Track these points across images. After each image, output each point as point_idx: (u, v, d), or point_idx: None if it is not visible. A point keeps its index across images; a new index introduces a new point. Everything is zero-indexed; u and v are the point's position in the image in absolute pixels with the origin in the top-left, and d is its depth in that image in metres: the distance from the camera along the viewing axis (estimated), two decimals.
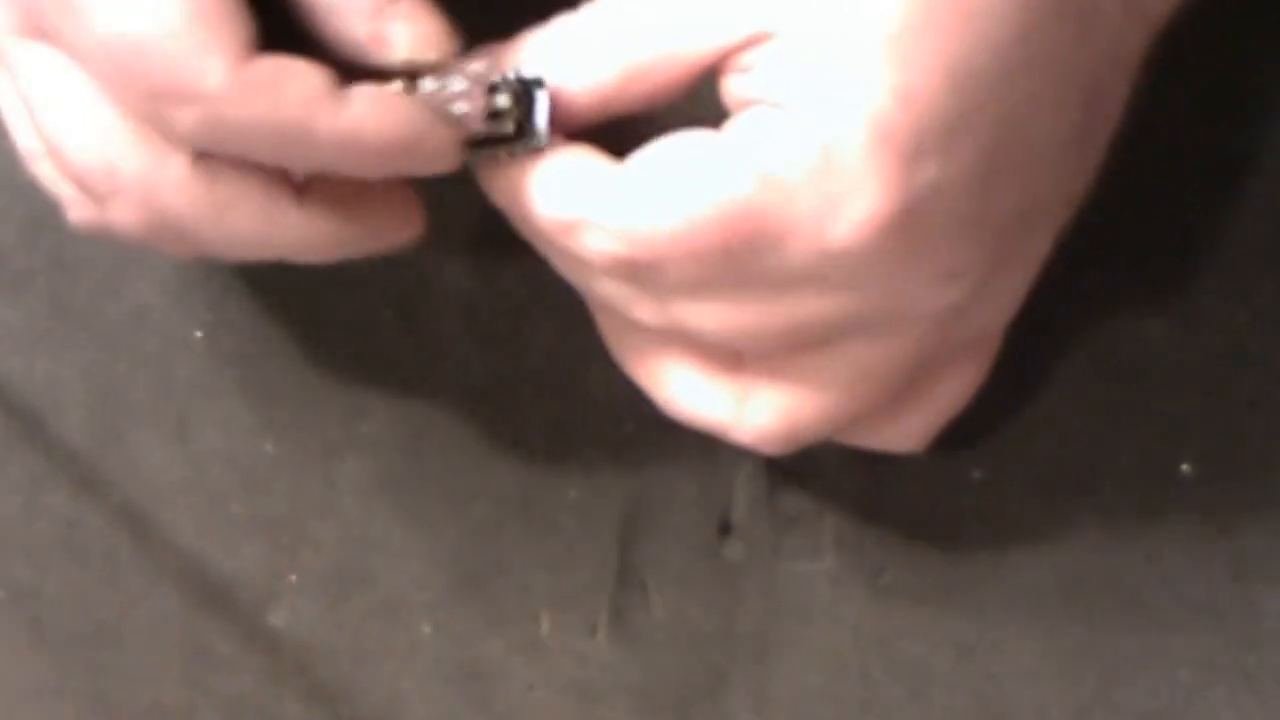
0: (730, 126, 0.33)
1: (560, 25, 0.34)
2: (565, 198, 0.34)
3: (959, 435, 0.39)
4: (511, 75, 0.34)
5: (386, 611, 0.41)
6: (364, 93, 0.33)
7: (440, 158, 0.34)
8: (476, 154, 0.34)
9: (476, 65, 0.34)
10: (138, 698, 0.41)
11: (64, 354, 0.41)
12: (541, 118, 0.34)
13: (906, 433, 0.37)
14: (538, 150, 0.34)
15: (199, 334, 0.41)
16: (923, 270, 0.33)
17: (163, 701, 0.41)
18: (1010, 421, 0.40)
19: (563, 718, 0.41)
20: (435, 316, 0.41)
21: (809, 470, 0.41)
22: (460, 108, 0.34)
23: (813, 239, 0.32)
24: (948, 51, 0.32)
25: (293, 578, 0.41)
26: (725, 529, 0.41)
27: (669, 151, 0.33)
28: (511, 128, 0.34)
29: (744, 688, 0.41)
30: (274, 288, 0.41)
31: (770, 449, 0.36)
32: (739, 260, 0.33)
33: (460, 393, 0.41)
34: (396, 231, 0.36)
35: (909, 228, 0.32)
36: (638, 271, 0.33)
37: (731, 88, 0.33)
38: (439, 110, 0.34)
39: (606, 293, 0.35)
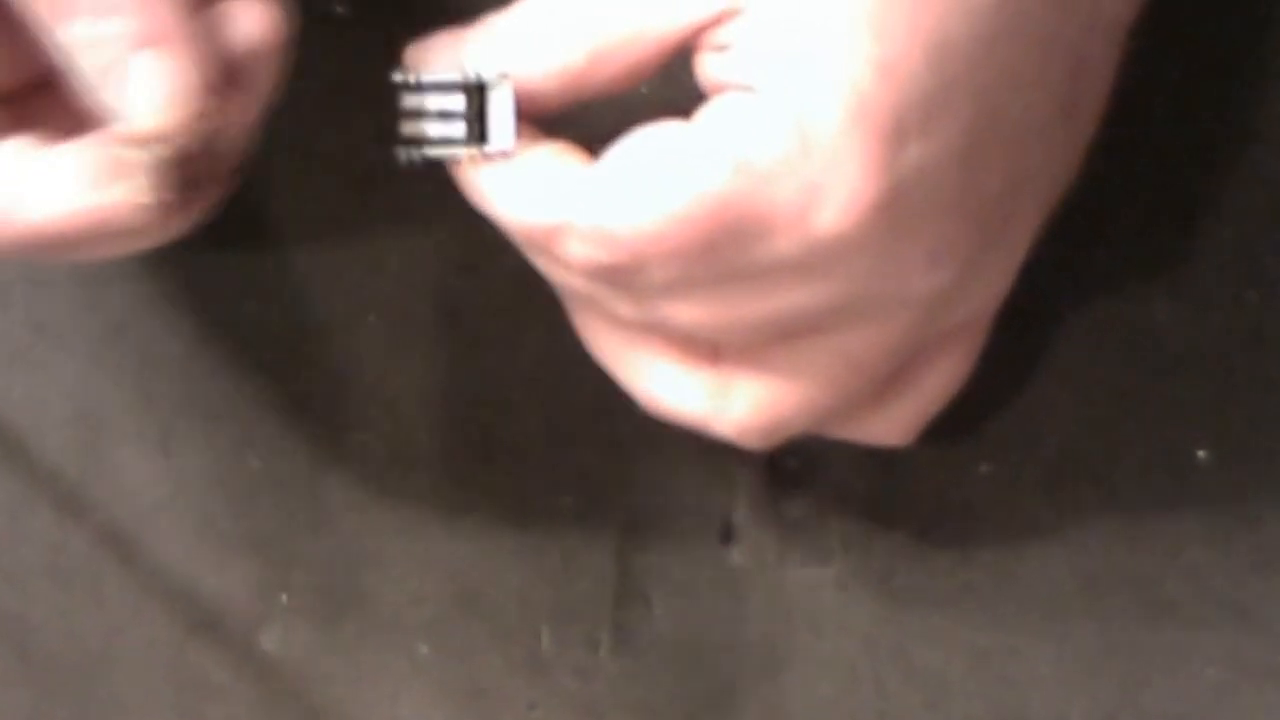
0: (702, 115, 0.32)
1: (519, 9, 0.33)
2: (539, 205, 0.33)
3: (964, 427, 0.38)
4: (472, 75, 0.33)
5: (382, 631, 0.40)
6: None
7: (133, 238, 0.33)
8: (433, 153, 0.33)
9: (448, 77, 0.33)
10: None
11: (43, 371, 0.41)
12: (504, 120, 0.33)
13: (894, 424, 0.36)
14: (504, 153, 0.33)
15: (178, 348, 0.40)
16: (909, 253, 0.32)
17: None
18: (1016, 412, 0.39)
19: None
20: (421, 320, 0.40)
21: (813, 472, 0.39)
22: (423, 128, 0.33)
23: (796, 227, 0.31)
24: (926, 22, 0.30)
25: (284, 598, 0.40)
26: (728, 535, 0.40)
27: (640, 148, 0.32)
28: (463, 131, 0.33)
29: (754, 701, 0.39)
30: (254, 296, 0.40)
31: (752, 442, 0.35)
32: (722, 254, 0.31)
33: (450, 398, 0.40)
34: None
35: (894, 210, 0.31)
36: (620, 274, 0.32)
37: (706, 68, 0.32)
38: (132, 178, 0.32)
39: (586, 293, 0.34)
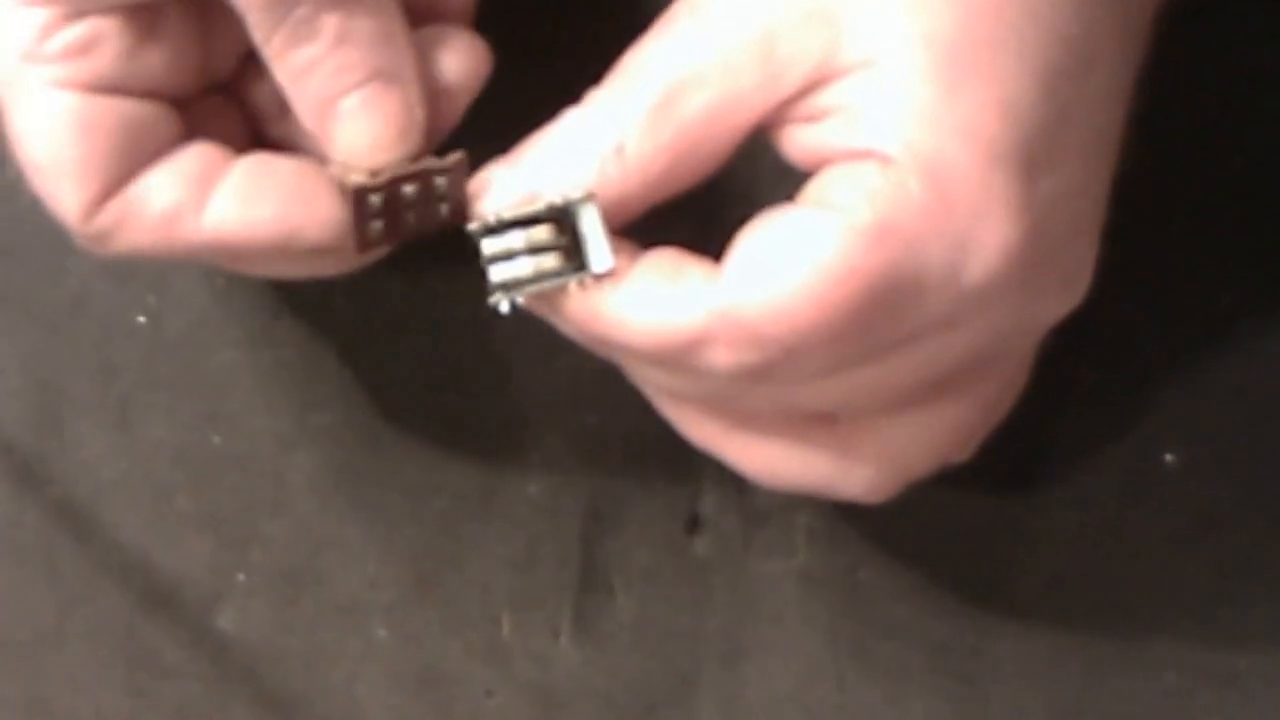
0: (822, 189, 0.30)
1: (579, 118, 0.31)
2: (673, 319, 0.30)
3: None
4: (559, 201, 0.31)
5: (340, 613, 0.40)
6: (228, 192, 0.32)
7: (330, 241, 0.33)
8: (534, 290, 0.31)
9: (532, 210, 0.31)
10: (79, 705, 0.40)
11: (3, 340, 0.40)
12: (599, 240, 0.31)
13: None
14: (610, 273, 0.31)
15: (142, 319, 0.40)
16: (1047, 284, 0.32)
17: (104, 709, 0.40)
18: None
19: None
20: (390, 302, 0.40)
21: None
22: (516, 269, 0.31)
23: (947, 285, 0.30)
24: (1033, 56, 0.30)
25: (241, 577, 0.40)
26: (693, 525, 0.40)
27: (771, 238, 0.30)
28: (559, 260, 0.31)
29: (713, 692, 0.40)
30: (221, 272, 0.40)
31: (878, 498, 0.34)
32: (875, 329, 0.30)
33: (417, 382, 0.40)
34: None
35: (1036, 246, 0.30)
36: (768, 371, 0.30)
37: (802, 139, 0.31)
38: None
39: (719, 395, 0.33)
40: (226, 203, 0.32)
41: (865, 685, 0.39)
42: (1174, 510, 0.39)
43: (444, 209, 0.32)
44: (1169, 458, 0.39)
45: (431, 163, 0.32)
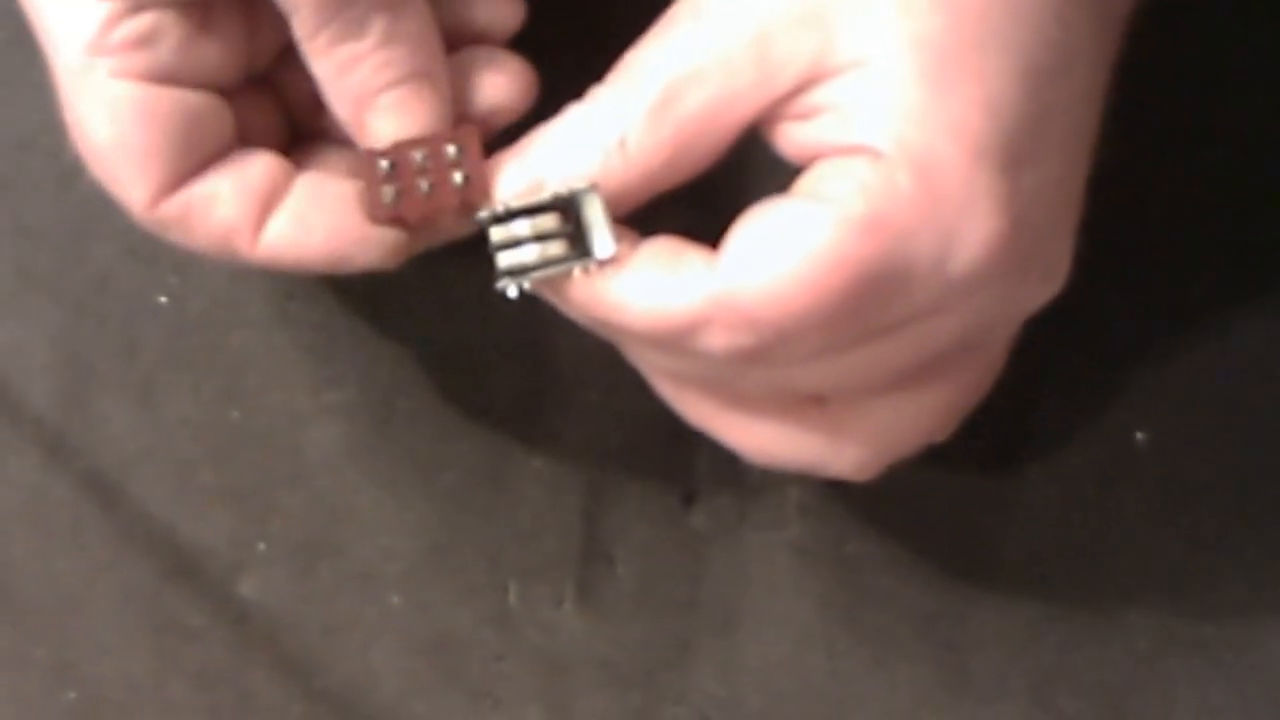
0: (815, 182, 0.31)
1: (584, 108, 0.33)
2: (673, 302, 0.32)
3: None
4: (564, 191, 0.32)
5: (356, 582, 0.41)
6: (286, 216, 0.33)
7: (376, 263, 0.34)
8: (540, 276, 0.32)
9: (538, 199, 0.32)
10: (105, 668, 0.41)
11: (29, 320, 0.41)
12: (602, 228, 0.32)
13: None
14: (613, 260, 0.32)
15: (163, 299, 0.41)
16: (1029, 275, 0.33)
17: (130, 672, 0.41)
18: None
19: (531, 688, 0.41)
20: (401, 283, 0.40)
21: None
22: (523, 255, 0.32)
23: (934, 275, 0.31)
24: (1017, 56, 0.31)
25: (261, 547, 0.41)
26: (690, 499, 0.41)
27: (767, 227, 0.31)
28: (564, 248, 0.32)
29: (710, 657, 0.41)
30: None
31: (867, 476, 0.36)
32: (865, 316, 0.31)
33: (427, 361, 0.41)
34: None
35: (1018, 239, 0.31)
36: (762, 354, 0.31)
37: (795, 135, 0.32)
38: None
39: (715, 377, 0.34)
40: (282, 226, 0.33)
41: (854, 652, 0.40)
42: (1146, 486, 0.40)
43: (458, 177, 0.33)
44: (1141, 436, 0.40)
45: (442, 131, 0.33)
